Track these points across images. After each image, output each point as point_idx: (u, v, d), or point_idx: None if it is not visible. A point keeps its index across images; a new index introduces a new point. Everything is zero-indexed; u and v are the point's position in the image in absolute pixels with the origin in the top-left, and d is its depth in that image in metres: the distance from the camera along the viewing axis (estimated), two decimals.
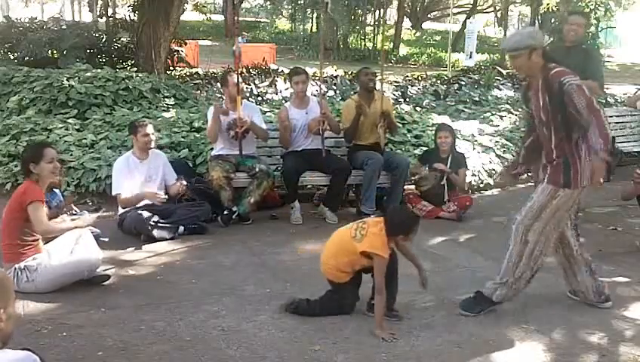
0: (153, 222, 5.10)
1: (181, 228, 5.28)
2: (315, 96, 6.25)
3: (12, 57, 10.68)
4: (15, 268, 3.94)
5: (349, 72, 12.18)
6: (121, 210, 5.30)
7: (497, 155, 7.60)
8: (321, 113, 5.77)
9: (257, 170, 5.65)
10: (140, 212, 5.14)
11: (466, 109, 9.76)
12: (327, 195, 5.99)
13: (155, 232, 5.09)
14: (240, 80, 5.88)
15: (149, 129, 5.43)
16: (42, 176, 4.03)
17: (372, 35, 28.34)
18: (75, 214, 5.08)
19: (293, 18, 32.04)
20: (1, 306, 1.99)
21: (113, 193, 5.40)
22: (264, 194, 5.75)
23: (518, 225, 3.60)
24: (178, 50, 11.59)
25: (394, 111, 6.94)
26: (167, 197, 5.39)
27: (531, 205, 3.59)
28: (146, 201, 5.27)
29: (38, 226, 3.96)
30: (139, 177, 5.35)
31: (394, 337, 3.39)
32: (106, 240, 4.66)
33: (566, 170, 3.53)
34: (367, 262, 3.55)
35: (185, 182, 5.54)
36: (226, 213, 5.58)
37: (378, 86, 6.29)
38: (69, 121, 7.32)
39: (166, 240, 5.13)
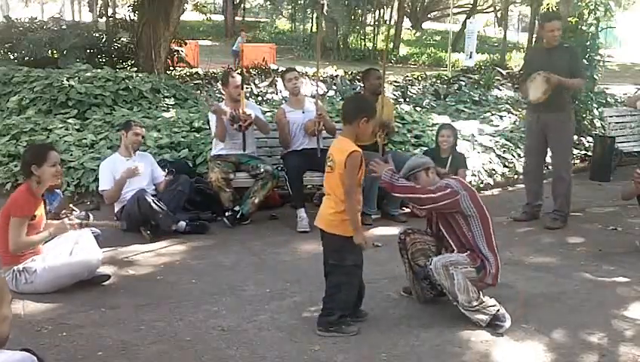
0: (155, 205, 5.10)
1: (182, 223, 5.29)
2: (313, 97, 6.24)
3: (12, 57, 10.69)
4: (14, 270, 3.91)
5: (349, 72, 12.20)
6: (117, 208, 5.33)
7: (497, 155, 7.60)
8: (317, 114, 5.77)
9: (262, 170, 5.65)
10: (141, 192, 5.16)
11: (466, 109, 9.76)
12: None
13: (161, 218, 5.10)
14: (241, 79, 5.88)
15: (142, 131, 5.61)
16: (43, 179, 3.99)
17: (372, 35, 28.36)
18: (74, 213, 5.08)
19: (293, 18, 32.08)
20: None
21: (100, 190, 5.46)
22: (268, 195, 5.75)
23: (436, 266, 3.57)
24: (178, 50, 11.60)
25: (394, 112, 6.93)
26: (142, 170, 5.37)
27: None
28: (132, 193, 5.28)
29: (11, 243, 3.84)
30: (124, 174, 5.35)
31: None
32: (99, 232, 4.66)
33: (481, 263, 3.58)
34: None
35: (171, 176, 5.65)
36: (230, 213, 5.58)
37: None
38: (69, 121, 7.32)
39: (167, 227, 5.14)
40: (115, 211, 5.35)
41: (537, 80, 5.44)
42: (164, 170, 5.72)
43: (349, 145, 3.37)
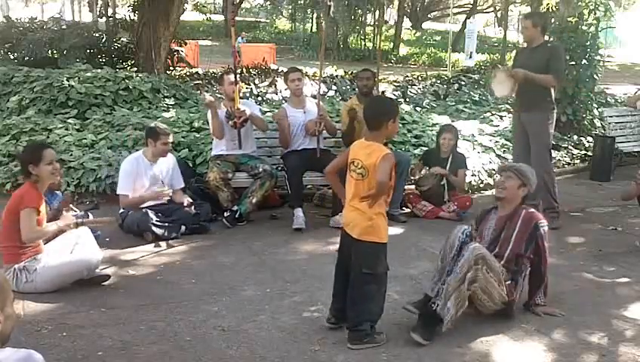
0: (156, 220, 5.10)
1: (182, 227, 5.28)
2: (314, 97, 6.25)
3: (12, 57, 10.70)
4: (14, 269, 3.93)
5: (349, 72, 12.21)
6: (121, 210, 5.31)
7: (497, 155, 7.60)
8: (318, 114, 5.77)
9: (261, 170, 5.65)
10: (144, 211, 5.14)
11: (466, 109, 9.77)
12: (332, 201, 5.86)
13: (158, 230, 5.09)
14: (234, 77, 5.85)
15: (170, 138, 5.41)
16: (42, 178, 4.01)
17: (372, 35, 28.38)
18: (74, 213, 5.08)
19: (293, 18, 32.11)
20: None
21: (118, 192, 5.30)
22: (266, 194, 5.75)
23: None
24: (178, 50, 11.60)
25: None
26: (170, 194, 5.35)
27: None
28: (149, 202, 5.26)
29: (25, 233, 3.90)
30: (146, 180, 5.29)
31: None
32: (107, 239, 4.67)
33: None
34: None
35: (192, 209, 5.42)
36: (228, 213, 5.58)
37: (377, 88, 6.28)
38: (69, 121, 7.32)
39: (168, 239, 5.13)
40: (120, 212, 5.29)
41: (499, 76, 5.47)
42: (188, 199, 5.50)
43: (379, 148, 3.33)
